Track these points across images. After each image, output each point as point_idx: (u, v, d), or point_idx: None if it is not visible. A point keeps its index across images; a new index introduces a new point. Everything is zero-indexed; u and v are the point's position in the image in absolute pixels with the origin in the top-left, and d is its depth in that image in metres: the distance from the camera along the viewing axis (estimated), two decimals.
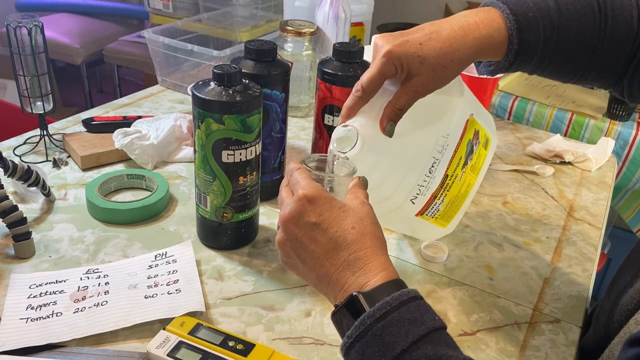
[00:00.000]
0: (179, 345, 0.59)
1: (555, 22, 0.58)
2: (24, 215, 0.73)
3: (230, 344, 0.60)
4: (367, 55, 0.73)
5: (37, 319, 0.63)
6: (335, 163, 0.61)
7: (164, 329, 0.61)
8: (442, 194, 0.70)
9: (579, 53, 0.60)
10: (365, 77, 0.59)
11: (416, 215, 0.70)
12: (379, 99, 0.61)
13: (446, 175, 0.69)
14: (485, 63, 0.65)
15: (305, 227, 0.50)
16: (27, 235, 0.73)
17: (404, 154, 0.65)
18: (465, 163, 0.72)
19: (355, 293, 0.47)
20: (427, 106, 0.64)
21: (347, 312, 0.48)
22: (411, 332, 0.44)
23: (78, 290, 0.68)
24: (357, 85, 0.60)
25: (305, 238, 0.51)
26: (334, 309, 0.49)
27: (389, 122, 0.59)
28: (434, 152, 0.66)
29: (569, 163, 1.10)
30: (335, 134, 0.62)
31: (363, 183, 0.57)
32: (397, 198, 0.67)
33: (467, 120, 0.72)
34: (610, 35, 0.59)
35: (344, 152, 0.60)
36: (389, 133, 0.59)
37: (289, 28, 1.15)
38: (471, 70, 1.16)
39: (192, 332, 0.61)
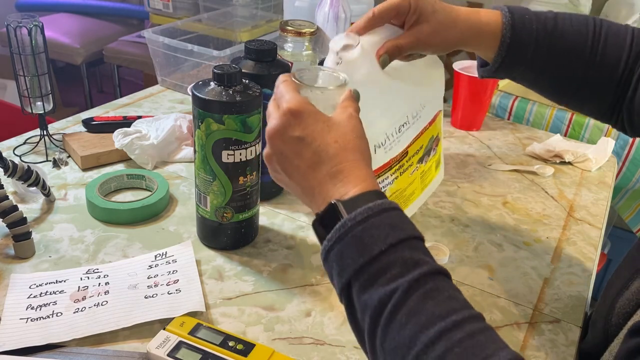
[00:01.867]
0: (179, 345, 0.59)
1: (549, 30, 0.63)
2: (24, 215, 0.73)
3: (230, 344, 0.60)
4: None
5: (37, 319, 0.63)
6: (328, 71, 0.60)
7: (164, 329, 0.61)
8: (395, 171, 0.73)
9: (571, 66, 0.63)
10: (380, 5, 0.62)
11: None
12: (382, 33, 0.64)
13: (406, 153, 0.72)
14: (481, 62, 0.69)
15: (290, 141, 0.50)
16: (27, 235, 0.73)
17: (387, 93, 0.67)
18: (422, 159, 0.77)
19: (334, 201, 0.48)
20: (419, 70, 0.71)
21: (326, 219, 0.48)
22: (390, 236, 0.45)
23: (78, 290, 0.68)
24: (370, 12, 0.62)
25: (290, 152, 0.51)
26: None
27: (385, 54, 0.62)
28: (408, 112, 0.71)
29: (569, 163, 1.09)
30: (334, 39, 0.63)
31: (355, 96, 0.56)
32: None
33: (437, 113, 0.77)
34: (602, 54, 0.62)
35: (344, 50, 0.62)
36: (383, 63, 0.63)
37: (289, 28, 1.14)
38: (471, 70, 1.16)
39: (192, 332, 0.61)
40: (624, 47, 0.63)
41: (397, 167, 0.73)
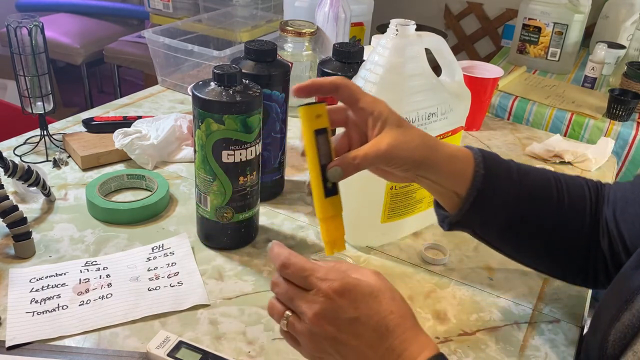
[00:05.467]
0: (179, 345, 0.59)
1: (522, 169, 0.63)
2: (24, 215, 0.73)
3: None
4: (367, 55, 0.75)
5: (43, 312, 0.64)
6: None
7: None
8: None
9: (541, 203, 0.62)
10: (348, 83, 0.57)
11: None
12: None
13: None
14: (442, 215, 0.65)
15: (344, 324, 0.47)
16: (27, 235, 0.73)
17: (428, 77, 0.73)
18: None
19: None
20: (452, 85, 0.79)
21: None
22: None
23: (80, 283, 0.69)
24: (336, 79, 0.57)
25: (345, 335, 0.48)
26: None
27: (336, 167, 0.55)
28: (439, 105, 0.75)
29: (569, 163, 1.10)
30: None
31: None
32: (400, 100, 0.71)
33: (459, 128, 0.80)
34: (569, 202, 0.63)
35: (402, 24, 0.70)
36: (333, 176, 0.55)
37: (289, 28, 1.15)
38: (471, 70, 1.16)
39: None
40: (584, 197, 0.63)
41: None
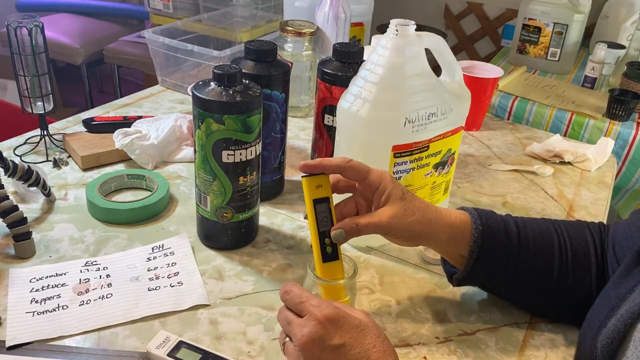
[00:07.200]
0: (179, 345, 0.59)
1: (516, 222, 0.66)
2: (25, 215, 0.73)
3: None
4: (367, 55, 0.75)
5: (43, 312, 0.64)
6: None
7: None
8: (414, 160, 0.75)
9: (544, 251, 0.65)
10: (357, 163, 0.60)
11: (393, 149, 0.73)
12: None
13: (427, 146, 0.75)
14: (450, 270, 0.69)
15: (329, 349, 0.50)
16: (27, 235, 0.73)
17: (428, 77, 0.73)
18: (437, 167, 0.78)
19: None
20: (452, 85, 0.78)
21: None
22: None
23: (80, 283, 0.69)
24: (344, 159, 0.60)
25: None
26: None
27: (341, 229, 0.59)
28: (439, 105, 0.74)
29: (569, 163, 1.10)
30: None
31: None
32: (400, 100, 0.71)
33: (459, 128, 0.79)
34: (570, 240, 0.66)
35: (402, 24, 0.70)
36: (336, 238, 0.59)
37: (289, 28, 1.15)
38: (471, 70, 1.16)
39: None
40: (587, 240, 0.66)
41: (417, 156, 0.75)
